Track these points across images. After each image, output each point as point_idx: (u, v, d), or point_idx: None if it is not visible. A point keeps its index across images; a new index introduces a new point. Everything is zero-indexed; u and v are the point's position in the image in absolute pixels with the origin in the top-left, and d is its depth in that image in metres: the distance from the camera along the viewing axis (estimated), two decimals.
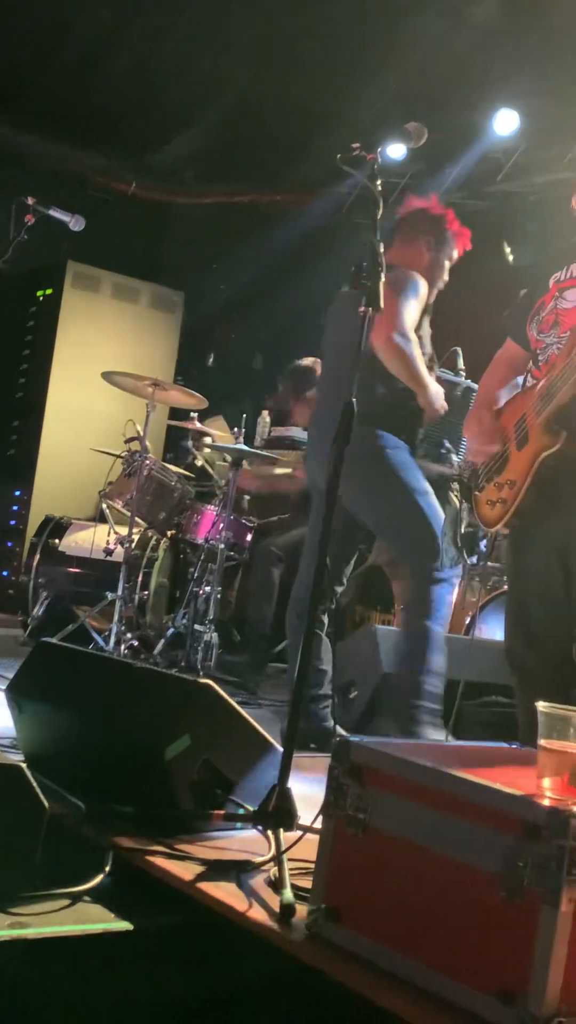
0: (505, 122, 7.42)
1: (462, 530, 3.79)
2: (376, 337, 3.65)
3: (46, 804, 2.13)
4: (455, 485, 4.01)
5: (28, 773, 2.11)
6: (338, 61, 7.73)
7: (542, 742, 1.82)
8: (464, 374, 5.87)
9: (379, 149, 2.70)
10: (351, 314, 3.92)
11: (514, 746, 2.31)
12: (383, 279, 2.53)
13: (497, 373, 3.25)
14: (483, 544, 5.69)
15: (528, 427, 2.89)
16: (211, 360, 9.35)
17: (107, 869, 2.23)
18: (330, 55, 7.71)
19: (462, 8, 6.98)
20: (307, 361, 6.06)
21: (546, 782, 1.79)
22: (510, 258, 7.89)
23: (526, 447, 2.90)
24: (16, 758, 2.60)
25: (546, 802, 1.73)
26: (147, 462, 5.31)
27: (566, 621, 2.93)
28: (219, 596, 5.49)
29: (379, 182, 2.66)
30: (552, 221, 7.60)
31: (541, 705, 1.85)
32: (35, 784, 2.12)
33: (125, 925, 2.08)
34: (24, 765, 2.17)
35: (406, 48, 7.45)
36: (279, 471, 7.36)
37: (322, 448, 3.98)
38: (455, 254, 4.10)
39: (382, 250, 2.56)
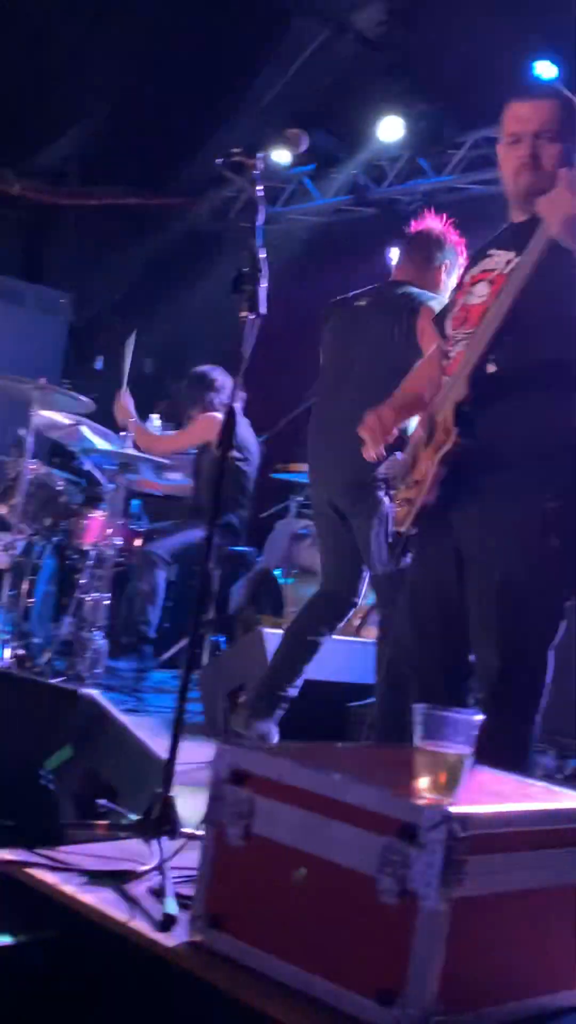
0: (389, 129, 7.50)
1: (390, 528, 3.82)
2: None
3: None
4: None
5: None
6: (222, 66, 7.74)
7: (419, 743, 1.84)
8: None
9: (260, 154, 2.70)
10: (374, 328, 3.99)
11: (397, 746, 2.33)
12: (264, 284, 2.54)
13: (418, 371, 3.26)
14: None
15: (433, 425, 2.88)
16: (100, 364, 9.25)
17: None
18: (215, 59, 7.72)
19: (346, 15, 7.05)
20: (207, 369, 6.07)
21: (423, 783, 1.81)
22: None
23: (430, 446, 2.87)
24: None
25: (422, 803, 1.75)
26: (32, 467, 5.23)
27: (458, 623, 2.92)
28: (107, 603, 5.43)
29: (260, 187, 2.66)
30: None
31: (418, 706, 1.87)
32: None
33: (3, 939, 2.04)
34: None
35: (291, 54, 7.51)
36: (170, 475, 7.34)
37: (337, 471, 3.97)
38: (453, 264, 4.12)
39: (263, 255, 2.56)
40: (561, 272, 2.64)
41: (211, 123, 8.24)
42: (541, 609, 2.80)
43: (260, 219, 2.63)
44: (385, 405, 3.15)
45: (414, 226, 4.25)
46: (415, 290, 4.01)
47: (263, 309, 2.56)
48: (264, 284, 2.55)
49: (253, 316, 2.56)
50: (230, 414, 2.58)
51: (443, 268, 4.12)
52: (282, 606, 6.37)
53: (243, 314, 2.59)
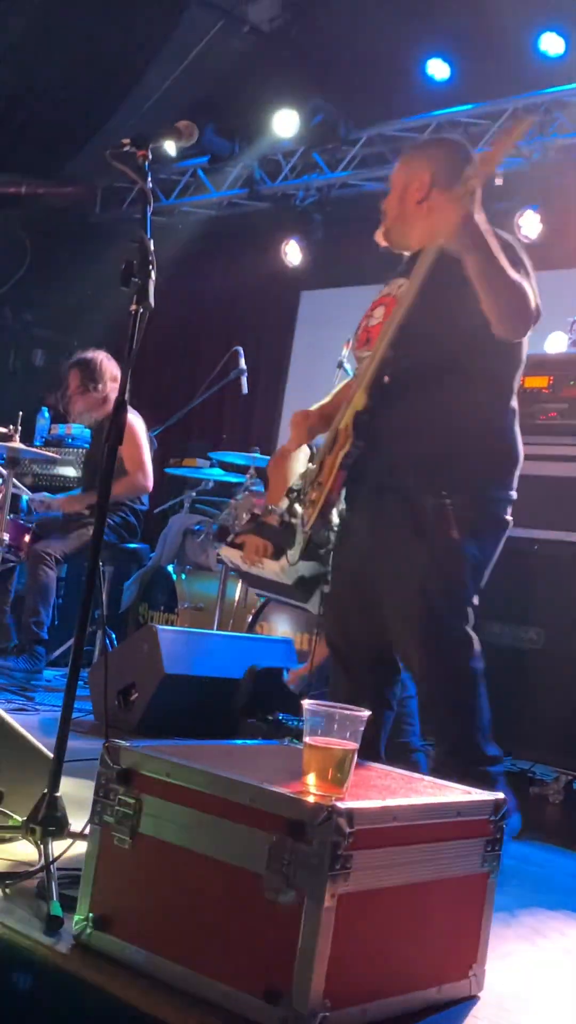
0: (284, 123, 7.50)
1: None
2: None
3: None
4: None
5: None
6: (115, 54, 7.66)
7: (306, 739, 1.84)
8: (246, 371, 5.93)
9: (151, 146, 2.66)
10: None
11: (286, 743, 2.33)
12: (153, 277, 2.51)
13: (342, 388, 3.53)
14: None
15: (336, 433, 3.12)
16: None
17: None
18: (108, 47, 7.63)
19: (241, 8, 7.03)
20: (92, 354, 5.93)
21: (310, 779, 1.81)
22: (292, 259, 8.00)
23: (332, 451, 3.11)
24: None
25: (310, 799, 1.74)
26: None
27: (378, 623, 3.09)
28: None
29: (149, 180, 2.62)
30: (337, 223, 7.77)
31: (306, 702, 1.87)
32: None
33: None
34: None
35: (185, 45, 7.46)
36: (61, 470, 7.23)
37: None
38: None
39: (152, 247, 2.53)
40: (451, 284, 2.86)
41: (103, 112, 8.15)
42: (443, 603, 2.90)
43: (149, 210, 2.60)
44: (312, 409, 3.44)
45: None
46: None
47: (152, 302, 2.53)
48: (153, 277, 2.51)
49: (142, 309, 2.53)
50: (120, 407, 2.54)
51: None
52: (175, 602, 6.33)
53: (132, 307, 2.55)
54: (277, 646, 5.05)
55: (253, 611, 5.76)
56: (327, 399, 3.52)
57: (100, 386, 5.77)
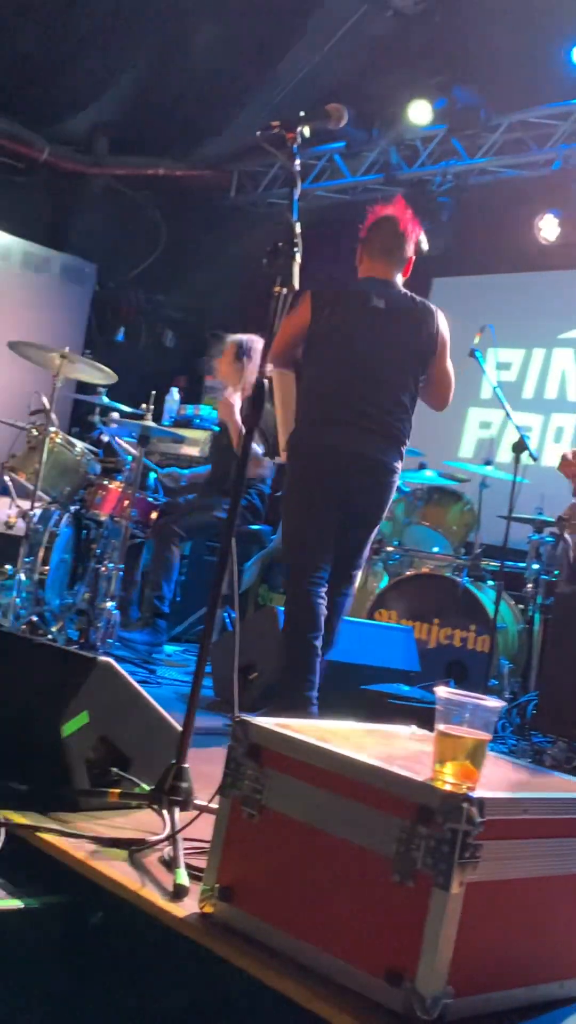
0: (418, 112, 7.45)
1: None
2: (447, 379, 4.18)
3: None
4: None
5: None
6: (257, 38, 7.68)
7: (439, 727, 1.84)
8: None
9: (299, 129, 2.68)
10: (396, 326, 4.09)
11: (413, 729, 2.33)
12: (298, 259, 2.52)
13: None
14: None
15: None
16: (121, 334, 9.24)
17: None
18: (249, 31, 7.66)
19: None
20: (249, 336, 5.97)
21: (442, 766, 1.80)
22: (424, 246, 7.93)
23: None
24: None
25: (441, 786, 1.74)
26: (52, 435, 5.23)
27: None
28: (121, 574, 5.44)
29: (298, 162, 2.64)
30: (474, 210, 7.69)
31: (439, 690, 1.86)
32: None
33: (15, 903, 2.05)
34: None
35: (327, 28, 7.44)
36: (186, 449, 7.33)
37: (364, 449, 4.02)
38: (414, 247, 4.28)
39: (299, 230, 2.54)
40: None
41: (241, 96, 8.19)
42: None
43: (296, 193, 2.61)
44: None
45: (377, 211, 4.28)
46: (431, 305, 4.22)
47: (295, 284, 2.54)
48: (298, 259, 2.53)
49: (285, 291, 2.54)
50: (259, 387, 2.56)
51: (410, 261, 4.25)
52: None
53: (275, 288, 2.57)
54: (396, 634, 5.04)
55: (373, 597, 5.77)
56: None
57: (248, 363, 5.83)
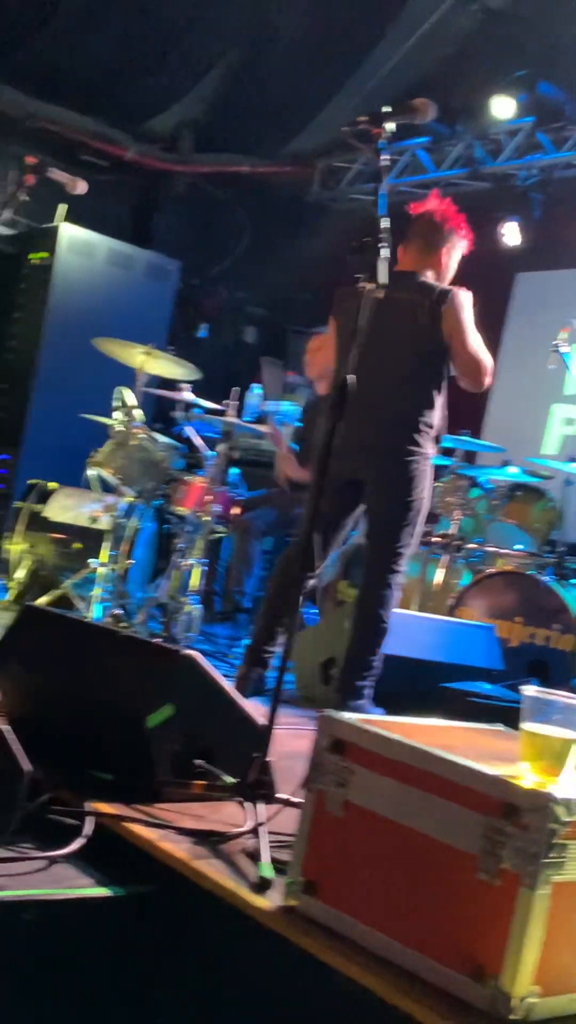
0: (503, 105, 7.38)
1: None
2: (466, 356, 4.07)
3: (27, 767, 2.12)
4: None
5: (10, 735, 2.10)
6: (340, 34, 7.67)
7: (524, 726, 1.82)
8: None
9: (386, 124, 2.67)
10: (395, 309, 4.07)
11: (497, 727, 2.31)
12: (384, 254, 2.52)
13: None
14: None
15: None
16: (203, 331, 9.31)
17: (85, 834, 2.23)
18: (332, 27, 7.65)
19: None
20: None
21: (528, 765, 1.79)
22: (509, 240, 7.86)
23: None
24: None
25: (528, 785, 1.73)
26: (136, 431, 5.29)
27: None
28: (203, 568, 5.48)
29: (384, 157, 2.63)
30: (559, 204, 7.59)
31: (526, 689, 1.85)
32: (17, 746, 2.11)
33: (102, 891, 2.09)
34: (6, 727, 2.16)
35: (411, 23, 7.41)
36: (267, 445, 7.35)
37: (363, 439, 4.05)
38: (459, 254, 4.34)
39: (385, 225, 2.54)
40: None
41: (326, 92, 8.19)
42: None
43: (383, 188, 2.61)
44: None
45: (413, 210, 4.35)
46: (435, 284, 4.20)
47: (384, 279, 2.54)
48: (384, 255, 2.52)
49: (372, 287, 2.54)
50: (343, 386, 2.57)
51: (444, 251, 4.27)
52: None
53: (362, 284, 2.57)
54: (477, 632, 5.01)
55: (454, 595, 5.74)
56: None
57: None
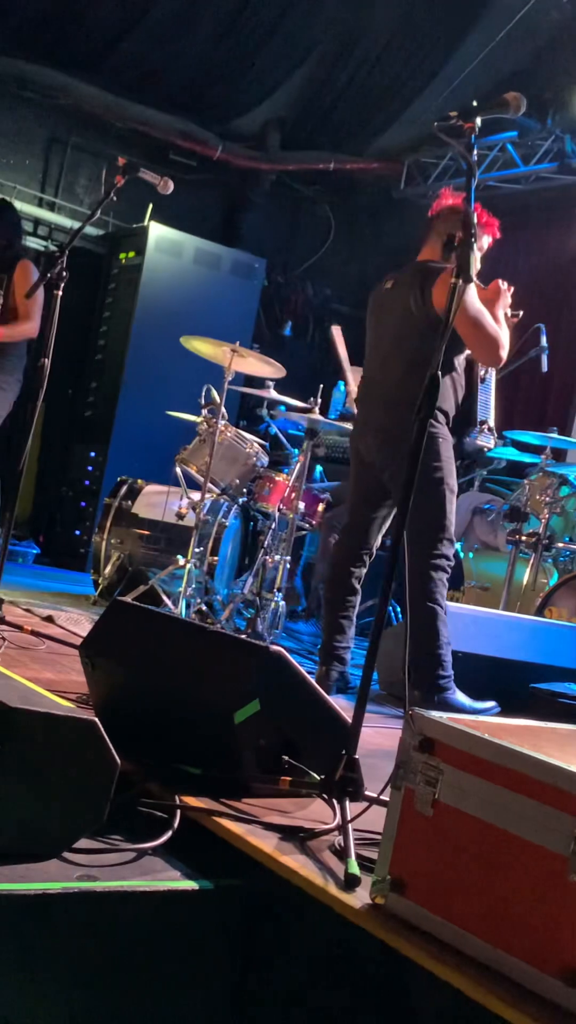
0: None
1: None
2: (469, 331, 4.04)
3: (118, 760, 2.15)
4: None
5: (101, 728, 2.13)
6: (425, 31, 7.63)
7: None
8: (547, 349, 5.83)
9: (477, 119, 2.65)
10: (396, 305, 4.21)
11: None
12: (476, 250, 2.50)
13: None
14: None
15: None
16: (288, 328, 9.33)
17: (174, 827, 2.26)
18: (417, 24, 7.61)
19: None
20: None
21: None
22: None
23: None
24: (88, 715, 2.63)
25: None
26: (222, 428, 5.32)
27: None
28: (288, 565, 5.50)
29: (475, 152, 2.61)
30: None
31: None
32: (106, 739, 2.14)
33: (190, 884, 2.11)
34: (96, 720, 2.19)
35: (498, 19, 7.33)
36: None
37: (371, 422, 4.29)
38: (485, 245, 4.25)
39: (476, 221, 2.52)
40: None
41: (412, 88, 8.15)
42: None
43: (474, 184, 2.59)
44: None
45: (434, 206, 4.36)
46: (432, 264, 4.18)
47: (472, 275, 2.52)
48: (476, 250, 2.50)
49: (462, 282, 2.52)
50: (433, 382, 2.55)
51: (436, 235, 4.22)
52: (461, 580, 6.32)
53: (451, 280, 2.55)
54: (566, 632, 4.95)
55: (542, 595, 5.67)
56: None
57: None
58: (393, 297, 4.30)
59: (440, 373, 4.00)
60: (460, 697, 4.08)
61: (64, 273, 3.95)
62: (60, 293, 3.96)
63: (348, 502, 4.63)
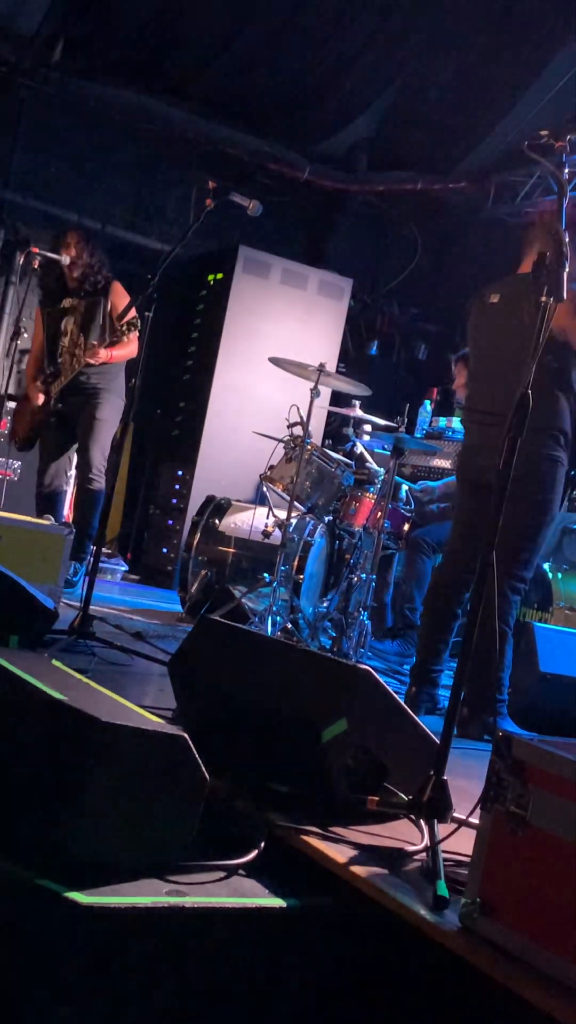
0: None
1: None
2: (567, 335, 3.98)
3: (207, 776, 2.16)
4: None
5: (190, 744, 2.14)
6: (513, 50, 7.59)
7: None
8: None
9: (568, 137, 2.63)
10: (513, 309, 4.10)
11: None
12: (568, 269, 2.48)
13: None
14: None
15: None
16: (374, 348, 9.33)
17: (262, 845, 2.26)
18: (505, 44, 7.58)
19: None
20: None
21: None
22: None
23: None
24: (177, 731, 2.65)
25: None
26: (308, 447, 5.34)
27: None
28: (374, 584, 5.49)
29: (566, 171, 2.60)
30: None
31: None
32: (197, 755, 2.16)
33: (278, 902, 2.11)
34: (185, 735, 2.21)
35: None
36: (437, 461, 7.32)
37: (486, 442, 4.05)
38: None
39: (567, 239, 2.51)
40: None
41: (499, 107, 8.11)
42: None
43: (565, 202, 2.57)
44: None
45: (535, 217, 4.28)
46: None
47: (563, 294, 2.51)
48: (568, 269, 2.49)
49: (553, 300, 2.51)
50: (523, 401, 2.54)
51: (536, 245, 4.19)
52: (549, 601, 6.24)
53: (542, 298, 2.54)
54: None
55: None
56: None
57: None
58: (503, 313, 4.20)
59: (558, 389, 4.01)
60: (510, 723, 4.04)
61: (154, 295, 4.01)
62: (150, 315, 4.03)
63: (455, 526, 4.50)
